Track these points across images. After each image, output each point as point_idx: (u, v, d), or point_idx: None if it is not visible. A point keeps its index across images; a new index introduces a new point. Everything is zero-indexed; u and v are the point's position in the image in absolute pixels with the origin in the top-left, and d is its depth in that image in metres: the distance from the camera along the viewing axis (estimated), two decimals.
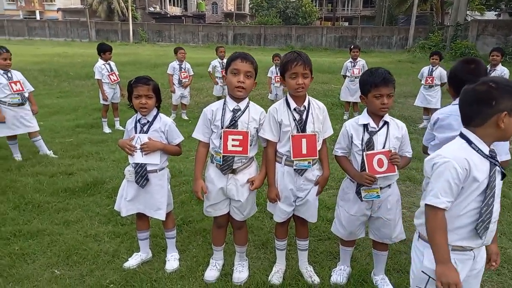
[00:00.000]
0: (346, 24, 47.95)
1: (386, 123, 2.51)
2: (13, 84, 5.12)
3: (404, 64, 20.48)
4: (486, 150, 1.72)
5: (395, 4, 37.27)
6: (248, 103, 2.64)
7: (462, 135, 1.78)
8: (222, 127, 2.56)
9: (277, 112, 2.60)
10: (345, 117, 8.39)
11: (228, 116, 2.58)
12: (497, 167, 1.74)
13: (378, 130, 2.50)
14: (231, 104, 2.60)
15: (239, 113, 2.58)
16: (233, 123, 2.56)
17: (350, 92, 8.30)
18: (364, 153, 2.49)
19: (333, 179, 4.69)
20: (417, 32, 29.94)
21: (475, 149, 1.71)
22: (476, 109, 1.71)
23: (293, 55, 2.52)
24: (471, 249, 1.80)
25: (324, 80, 12.70)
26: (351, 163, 2.63)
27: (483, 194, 1.71)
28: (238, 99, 2.60)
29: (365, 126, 2.52)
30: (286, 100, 2.62)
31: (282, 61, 2.61)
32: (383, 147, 2.48)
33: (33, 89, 5.54)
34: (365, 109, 2.59)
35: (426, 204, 1.73)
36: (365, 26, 37.91)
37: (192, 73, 8.41)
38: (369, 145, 2.49)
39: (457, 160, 1.67)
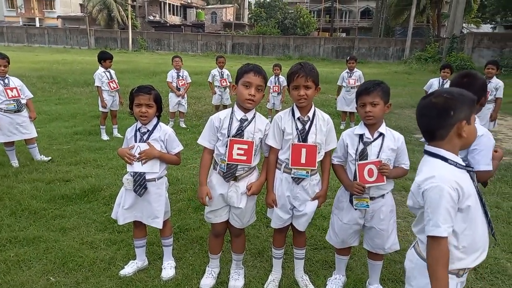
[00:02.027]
0: (344, 35, 48.40)
1: (381, 134, 2.55)
2: (8, 91, 5.13)
3: (401, 75, 20.72)
4: (460, 161, 1.73)
5: (392, 16, 37.81)
6: (254, 114, 2.68)
7: (433, 154, 1.74)
8: (228, 136, 2.60)
9: (281, 119, 2.66)
10: (341, 127, 8.45)
11: (235, 125, 2.61)
12: (473, 173, 1.76)
13: (373, 141, 2.54)
14: (239, 114, 2.64)
15: (245, 123, 2.62)
16: (240, 133, 2.60)
17: (346, 102, 8.37)
18: (357, 162, 2.53)
19: (329, 188, 4.71)
20: (413, 44, 30.34)
21: (453, 165, 1.69)
22: (437, 122, 1.71)
23: (296, 67, 2.56)
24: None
25: (321, 90, 12.77)
26: (346, 172, 2.68)
27: (480, 203, 1.74)
28: (246, 110, 2.64)
29: (361, 136, 2.57)
30: (292, 109, 2.67)
31: (287, 72, 2.65)
32: (377, 158, 2.51)
33: (31, 95, 5.56)
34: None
35: (428, 236, 1.65)
36: (362, 37, 38.32)
37: (189, 80, 8.48)
38: (363, 155, 2.53)
39: (446, 182, 1.62)
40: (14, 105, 5.19)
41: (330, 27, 45.42)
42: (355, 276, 3.01)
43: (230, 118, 2.64)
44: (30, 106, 5.48)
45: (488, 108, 6.45)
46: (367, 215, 2.61)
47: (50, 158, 5.68)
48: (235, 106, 2.68)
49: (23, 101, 5.33)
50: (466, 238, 1.68)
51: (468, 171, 1.73)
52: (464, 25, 31.55)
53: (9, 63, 5.22)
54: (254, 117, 2.66)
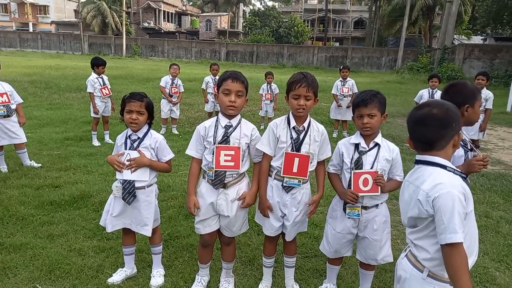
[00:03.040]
0: (337, 44, 48.85)
1: (377, 144, 2.55)
2: None
3: (393, 84, 20.91)
4: (454, 167, 1.76)
5: (385, 27, 38.30)
6: (239, 119, 2.69)
7: (430, 163, 1.75)
8: (214, 143, 2.60)
9: (277, 127, 2.66)
10: (334, 135, 8.49)
11: (220, 132, 2.62)
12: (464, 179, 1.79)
13: (368, 151, 2.54)
14: (223, 121, 2.65)
15: (231, 129, 2.63)
16: (225, 139, 2.60)
17: (338, 110, 8.43)
18: (353, 171, 2.53)
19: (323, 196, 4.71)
20: (405, 54, 30.66)
21: (451, 171, 1.72)
22: (442, 133, 1.73)
23: (298, 76, 2.57)
24: None
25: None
26: (341, 181, 2.68)
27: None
28: (230, 116, 2.65)
29: (356, 145, 2.58)
30: (288, 117, 2.67)
31: (288, 80, 2.65)
32: (371, 167, 2.52)
33: (21, 100, 5.50)
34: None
35: (445, 244, 1.61)
36: (355, 47, 38.67)
37: (182, 90, 8.48)
38: (358, 164, 2.54)
39: (455, 187, 1.64)
40: (4, 111, 5.13)
41: (323, 36, 45.79)
42: (345, 285, 3.00)
43: (215, 126, 2.65)
44: (20, 111, 5.42)
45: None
46: (360, 225, 2.61)
47: (40, 165, 5.61)
48: (220, 114, 2.70)
49: (13, 106, 5.28)
50: (465, 243, 1.67)
51: (462, 177, 1.75)
52: (455, 36, 32.02)
53: None
54: (239, 123, 2.67)
